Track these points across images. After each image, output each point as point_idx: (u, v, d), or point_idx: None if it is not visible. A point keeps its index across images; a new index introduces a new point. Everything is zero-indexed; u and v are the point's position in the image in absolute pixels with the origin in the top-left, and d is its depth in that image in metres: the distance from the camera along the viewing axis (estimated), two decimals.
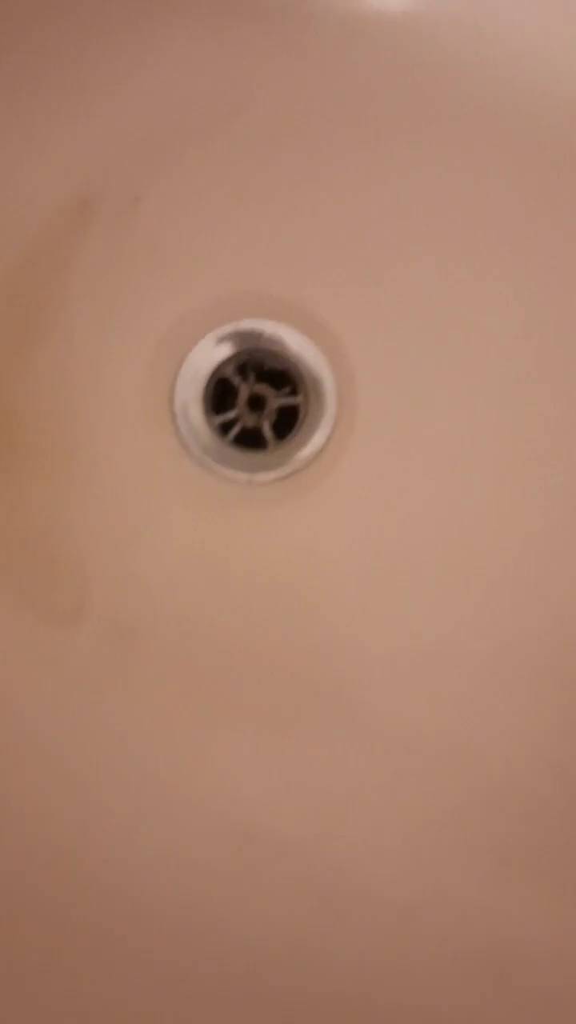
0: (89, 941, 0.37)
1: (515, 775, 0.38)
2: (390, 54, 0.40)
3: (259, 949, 0.37)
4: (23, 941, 0.37)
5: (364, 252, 0.40)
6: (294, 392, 0.41)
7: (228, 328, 0.41)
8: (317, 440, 0.40)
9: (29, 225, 0.40)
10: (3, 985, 0.36)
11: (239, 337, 0.41)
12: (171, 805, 0.38)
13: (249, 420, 0.41)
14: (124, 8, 0.40)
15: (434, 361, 0.39)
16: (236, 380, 0.41)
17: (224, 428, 0.41)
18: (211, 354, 0.41)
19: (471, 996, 0.36)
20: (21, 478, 0.40)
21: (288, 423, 0.41)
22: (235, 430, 0.41)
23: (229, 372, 0.41)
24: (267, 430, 0.41)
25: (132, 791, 0.38)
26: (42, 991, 0.36)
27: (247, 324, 0.41)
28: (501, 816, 0.37)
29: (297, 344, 0.41)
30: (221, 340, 0.41)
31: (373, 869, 0.38)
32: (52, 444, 0.40)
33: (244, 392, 0.41)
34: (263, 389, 0.42)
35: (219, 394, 0.41)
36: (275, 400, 0.41)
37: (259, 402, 0.41)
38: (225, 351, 0.41)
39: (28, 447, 0.40)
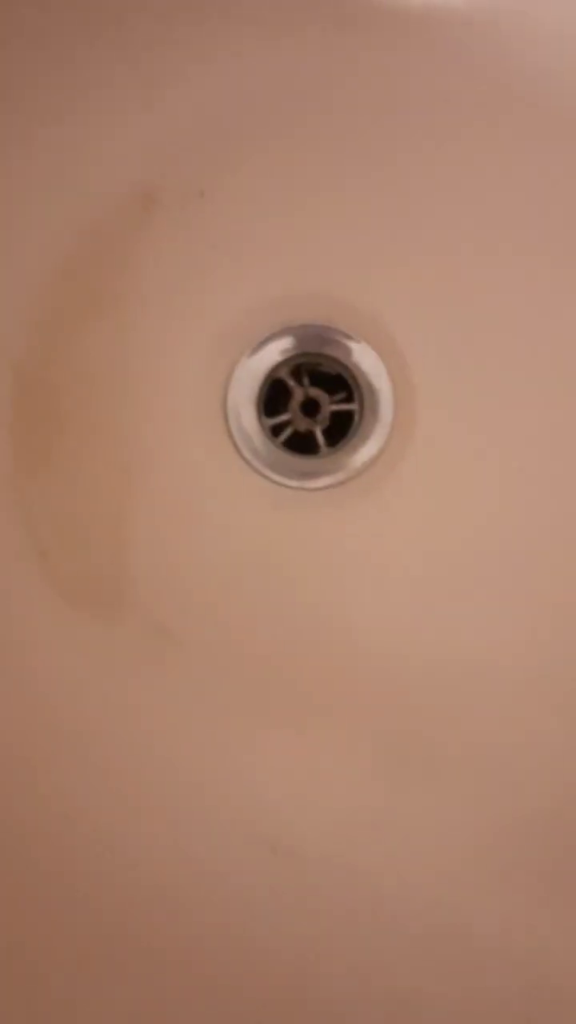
0: (103, 938, 0.37)
1: (554, 797, 0.37)
2: (462, 51, 0.39)
3: (278, 959, 0.36)
4: (37, 936, 0.36)
5: (432, 258, 0.39)
6: (350, 398, 0.40)
7: (286, 329, 0.40)
8: (371, 448, 0.39)
9: (93, 214, 0.39)
10: (14, 979, 0.36)
11: (297, 338, 0.40)
12: (200, 808, 0.38)
13: (302, 424, 0.41)
14: (196, 3, 0.39)
15: (499, 373, 0.38)
16: (291, 382, 0.41)
17: (276, 431, 0.40)
18: (267, 354, 0.40)
19: (496, 1011, 0.36)
20: (69, 466, 0.39)
21: (342, 429, 0.40)
22: (287, 433, 0.41)
23: (284, 374, 0.41)
24: (320, 435, 0.40)
25: (163, 790, 0.38)
26: (53, 988, 0.36)
27: (306, 326, 0.40)
28: (538, 838, 0.37)
29: (356, 349, 0.40)
30: (278, 340, 0.40)
31: (401, 886, 0.37)
32: (103, 434, 0.39)
33: (298, 395, 0.41)
34: (318, 393, 0.41)
35: (273, 396, 0.41)
36: (330, 405, 0.41)
37: (313, 406, 0.41)
38: (282, 352, 0.40)
39: (79, 436, 0.39)
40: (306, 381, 0.41)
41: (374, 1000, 0.36)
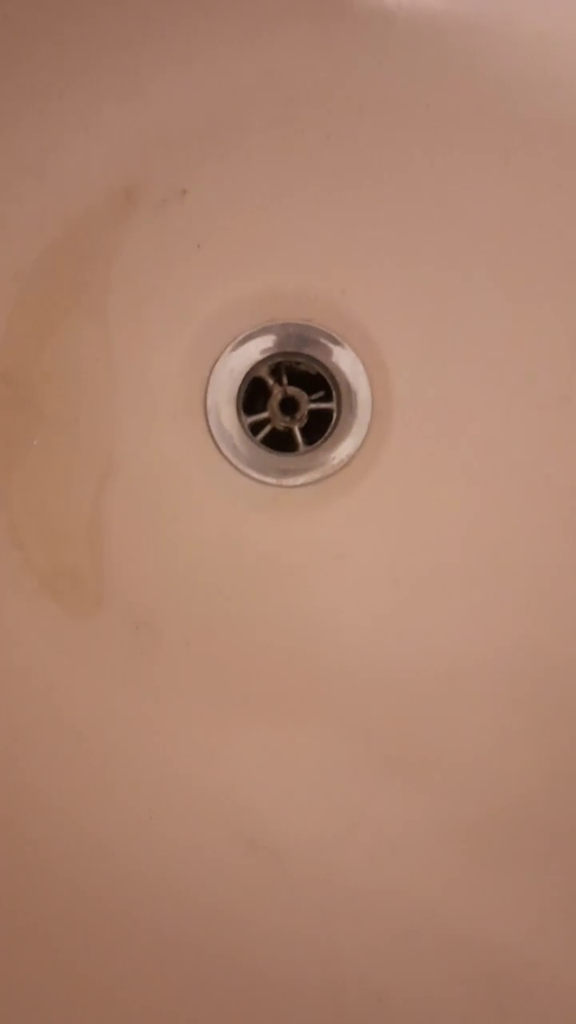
0: (88, 931, 0.37)
1: (528, 793, 0.38)
2: (445, 54, 0.39)
3: (254, 953, 0.37)
4: (24, 927, 0.36)
5: (413, 261, 0.39)
6: (328, 397, 0.41)
7: (266, 327, 0.40)
8: (348, 447, 0.40)
9: (74, 208, 0.40)
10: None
11: (276, 337, 0.40)
12: (177, 803, 0.38)
13: (280, 422, 0.41)
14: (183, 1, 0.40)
15: (475, 375, 0.39)
16: (270, 381, 0.41)
17: (255, 429, 0.41)
18: (247, 353, 0.40)
19: (470, 1007, 0.36)
20: (47, 460, 0.39)
21: (320, 428, 0.41)
22: (266, 431, 0.41)
23: (264, 372, 0.41)
24: (298, 433, 0.41)
25: (140, 785, 0.38)
26: (40, 981, 0.36)
27: (286, 325, 0.40)
28: (513, 834, 0.37)
29: (335, 349, 0.40)
30: (258, 339, 0.40)
31: (378, 882, 0.37)
32: (82, 430, 0.40)
33: (277, 394, 0.41)
34: (296, 392, 0.41)
35: (252, 394, 0.41)
36: (308, 404, 0.41)
37: (292, 405, 0.41)
38: (261, 351, 0.40)
39: (57, 431, 0.39)
40: (285, 380, 0.41)
41: (350, 994, 0.36)
